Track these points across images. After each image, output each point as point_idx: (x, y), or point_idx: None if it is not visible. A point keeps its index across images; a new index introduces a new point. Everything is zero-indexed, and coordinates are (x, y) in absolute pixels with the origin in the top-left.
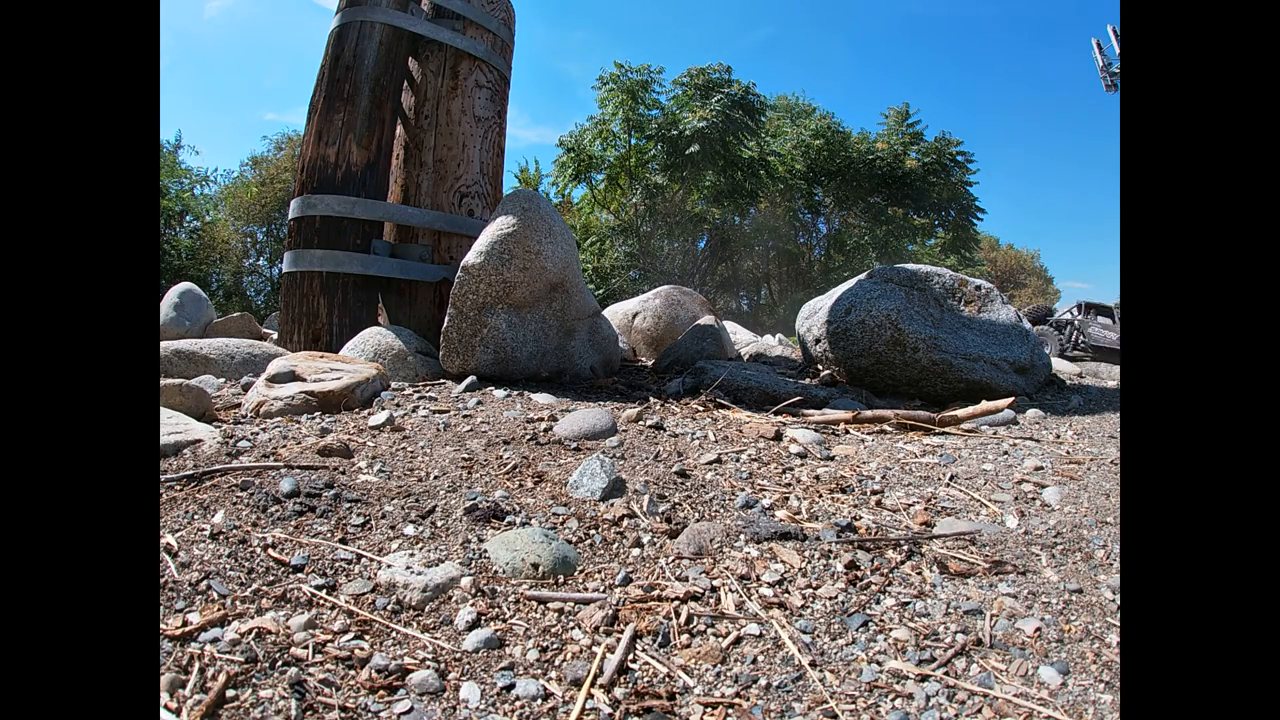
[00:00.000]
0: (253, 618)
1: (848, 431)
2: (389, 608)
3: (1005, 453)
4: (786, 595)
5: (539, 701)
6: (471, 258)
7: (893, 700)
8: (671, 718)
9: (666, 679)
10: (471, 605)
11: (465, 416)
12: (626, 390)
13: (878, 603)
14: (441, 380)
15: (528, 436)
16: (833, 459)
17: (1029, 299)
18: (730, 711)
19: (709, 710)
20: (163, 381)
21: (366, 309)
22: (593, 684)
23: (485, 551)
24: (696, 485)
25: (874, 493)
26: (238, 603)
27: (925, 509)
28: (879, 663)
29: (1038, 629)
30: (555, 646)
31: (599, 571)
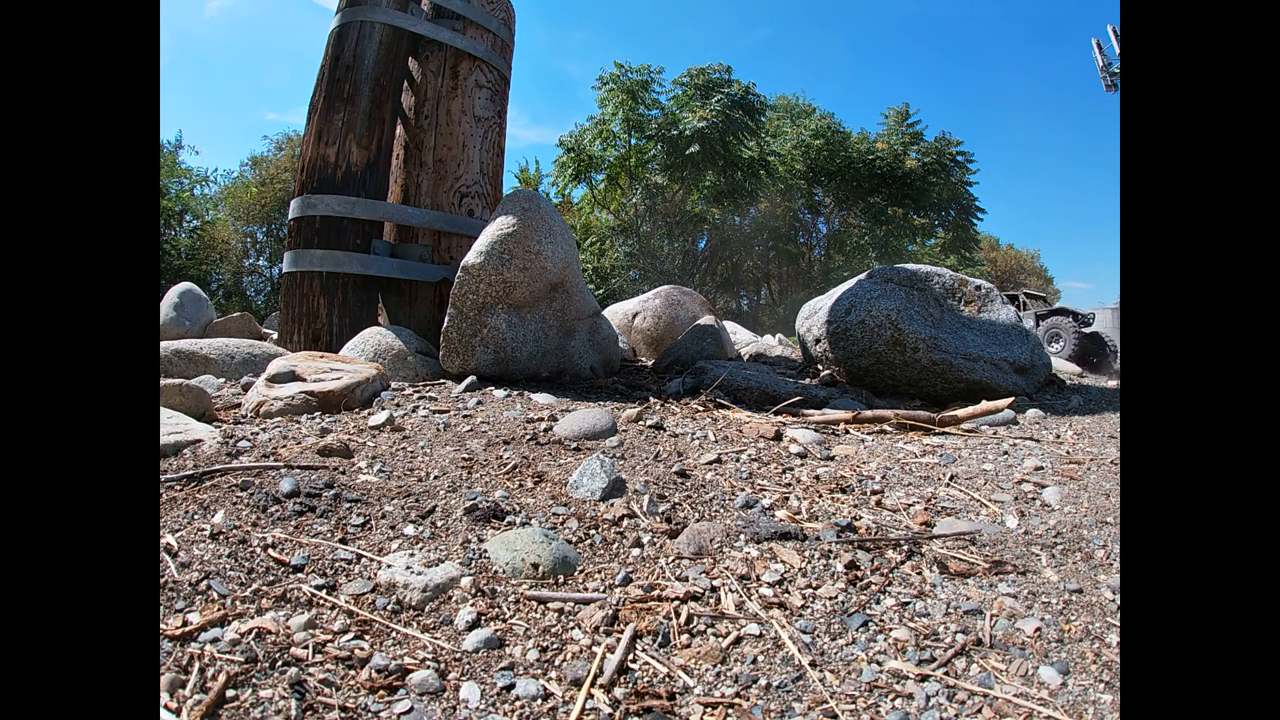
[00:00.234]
0: (253, 618)
1: (848, 431)
2: (389, 608)
3: (1005, 453)
4: (786, 595)
5: (539, 701)
6: (471, 258)
7: (893, 700)
8: (671, 718)
9: (666, 679)
10: (471, 605)
11: (465, 416)
12: (626, 390)
13: (878, 603)
14: (441, 380)
15: (528, 436)
16: (833, 459)
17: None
18: (730, 711)
19: (709, 710)
20: (163, 381)
21: (366, 309)
22: (593, 684)
23: (485, 551)
24: (696, 485)
25: (874, 493)
26: (238, 603)
27: (925, 509)
28: (879, 663)
29: (1038, 629)
30: (555, 646)
31: (599, 571)
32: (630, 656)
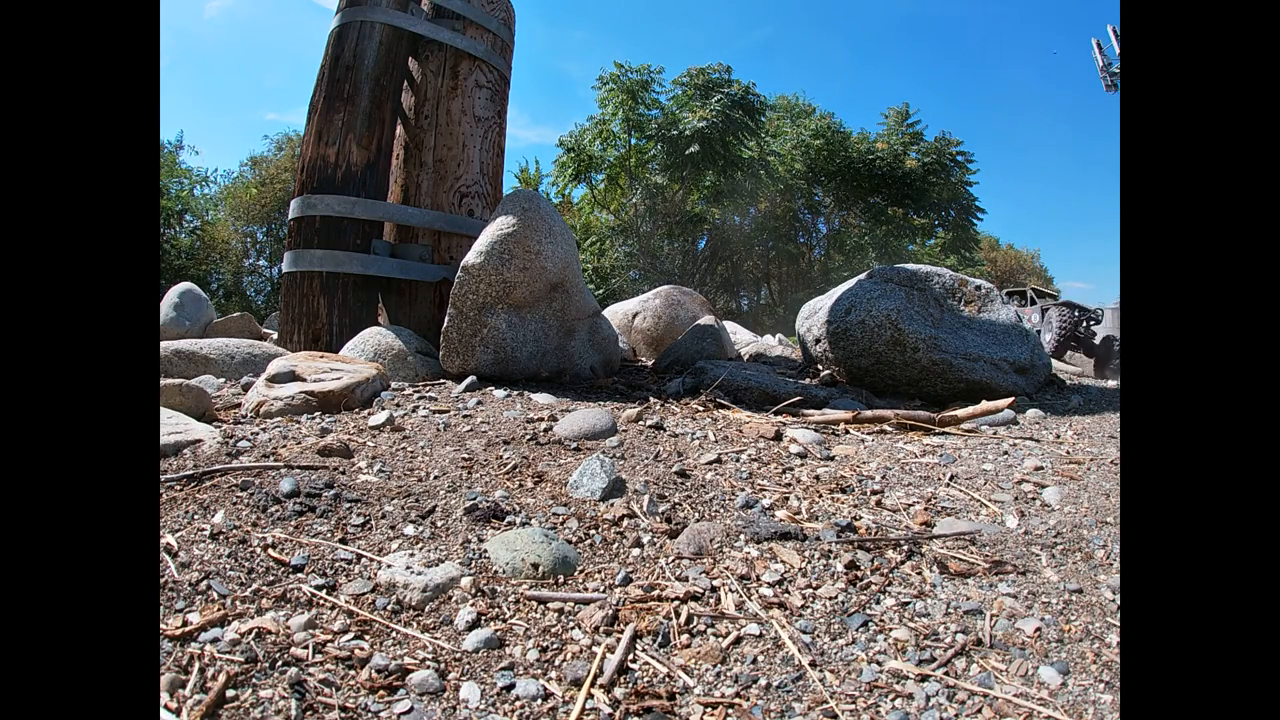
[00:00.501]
0: (253, 618)
1: (848, 431)
2: (389, 608)
3: (1005, 453)
4: (786, 595)
5: (539, 701)
6: (471, 258)
7: (893, 700)
8: (671, 718)
9: (666, 679)
10: (471, 605)
11: (465, 416)
12: (626, 390)
13: (878, 603)
14: (441, 380)
15: (528, 436)
16: (833, 459)
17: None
18: (730, 711)
19: (709, 710)
20: (163, 381)
21: (366, 309)
22: (593, 684)
23: (485, 551)
24: (696, 485)
25: (874, 493)
26: (238, 603)
27: (925, 509)
28: (879, 663)
29: (1038, 629)
30: (555, 646)
31: (599, 571)
32: (630, 656)
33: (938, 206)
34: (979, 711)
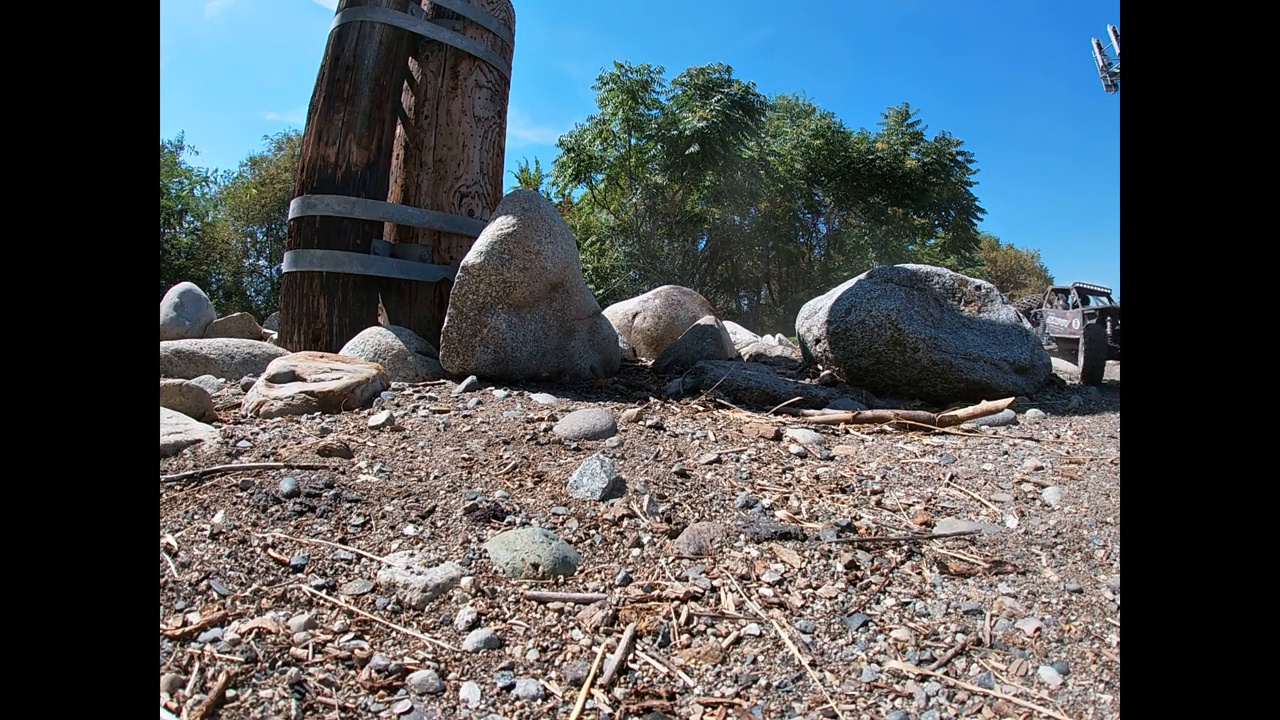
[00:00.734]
0: (253, 618)
1: (848, 431)
2: (389, 608)
3: (1005, 453)
4: (786, 595)
5: (539, 701)
6: (471, 258)
7: (893, 700)
8: (671, 718)
9: (666, 679)
10: (471, 605)
11: (465, 416)
12: (626, 390)
13: (878, 603)
14: (441, 380)
15: (528, 436)
16: (833, 459)
17: (1029, 299)
18: (730, 711)
19: (709, 710)
20: (163, 381)
21: (366, 309)
22: (593, 684)
23: (485, 551)
24: (696, 485)
25: (874, 493)
26: (238, 603)
27: (925, 509)
28: (879, 663)
29: (1038, 629)
30: (555, 646)
31: (599, 571)
32: (630, 656)
33: (938, 206)
34: (979, 711)
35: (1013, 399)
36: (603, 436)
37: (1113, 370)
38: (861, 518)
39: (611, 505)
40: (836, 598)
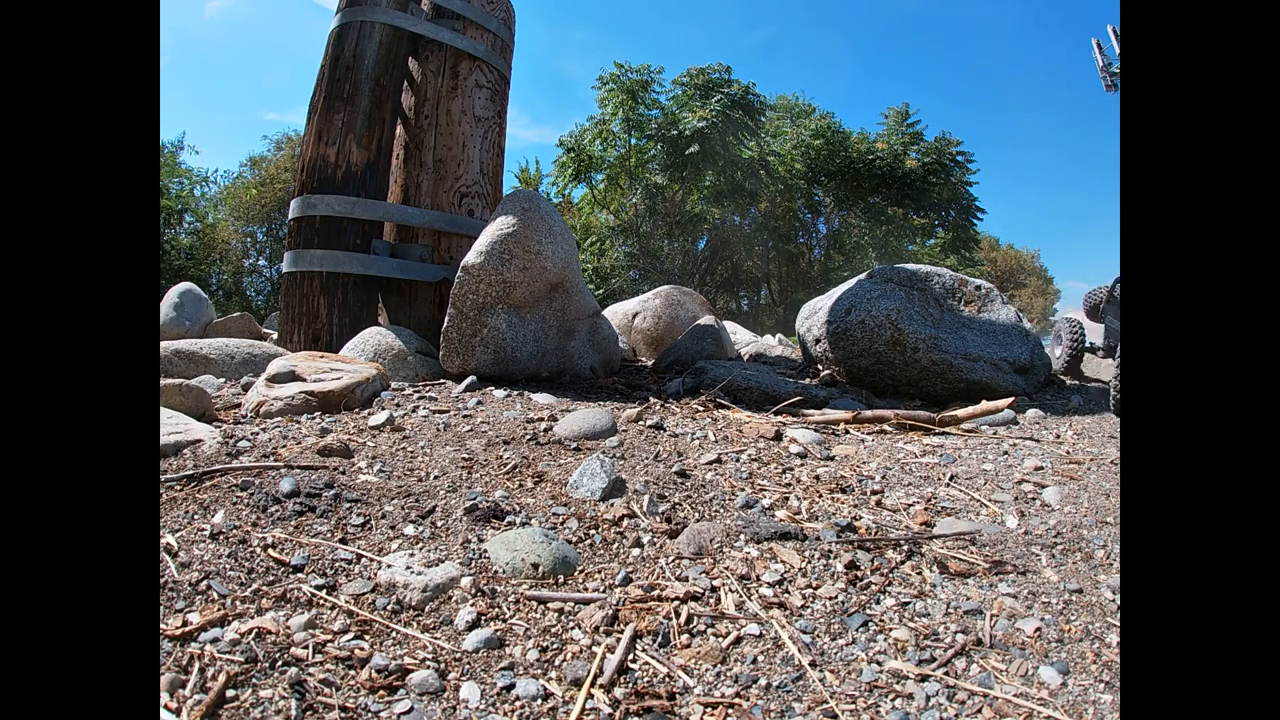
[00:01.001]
0: (253, 618)
1: (848, 431)
2: (389, 608)
3: (1005, 453)
4: (786, 595)
5: (539, 701)
6: (471, 258)
7: (893, 700)
8: (671, 718)
9: (666, 679)
10: (471, 605)
11: (465, 416)
12: (626, 390)
13: (878, 603)
14: (441, 380)
15: (528, 436)
16: (833, 459)
17: (1029, 299)
18: (730, 711)
19: (709, 710)
20: (163, 381)
21: (366, 309)
22: (593, 684)
23: (485, 551)
24: (696, 485)
25: (874, 493)
26: (238, 603)
27: (925, 509)
28: (879, 663)
29: (1038, 629)
30: (555, 646)
31: (599, 571)
32: (630, 656)
33: (938, 206)
34: (979, 711)
35: (1013, 399)
36: (603, 436)
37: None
38: (861, 518)
39: (611, 505)
40: (836, 598)
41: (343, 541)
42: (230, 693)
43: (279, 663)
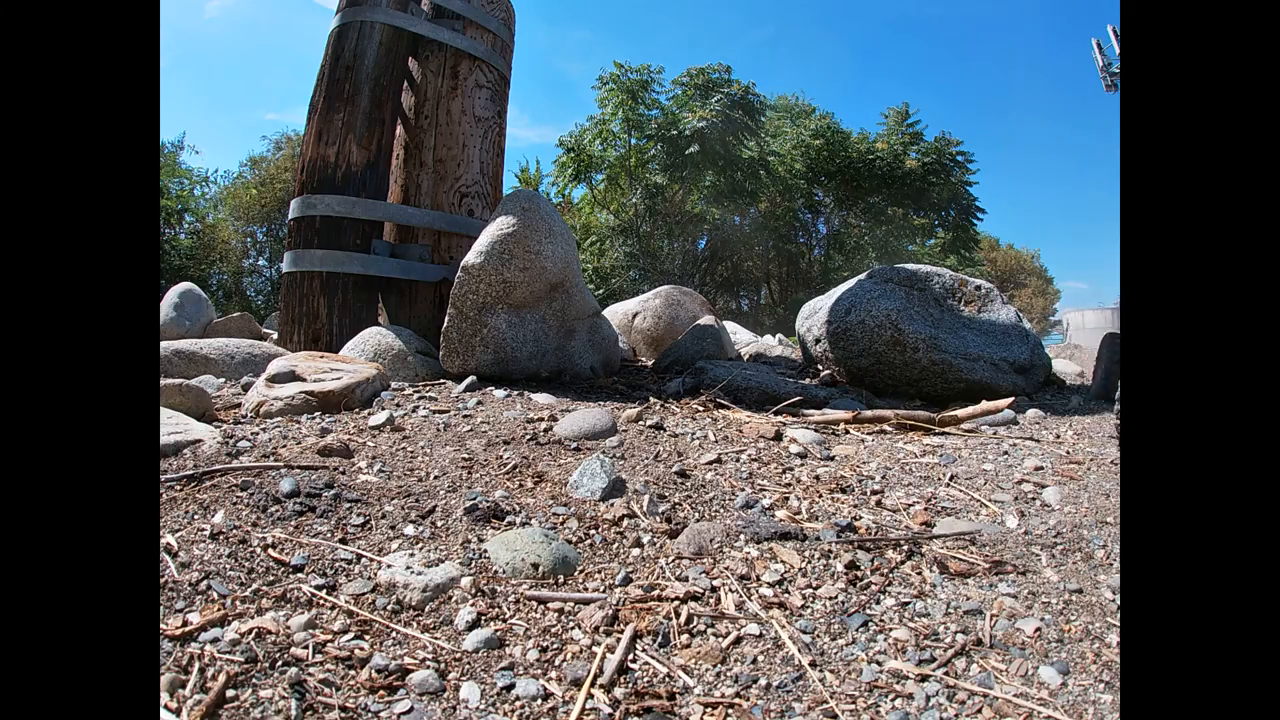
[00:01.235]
0: (253, 618)
1: (848, 431)
2: (389, 608)
3: (1005, 453)
4: (786, 595)
5: (539, 701)
6: (471, 258)
7: (893, 700)
8: (671, 718)
9: (666, 679)
10: (471, 605)
11: (465, 416)
12: (626, 390)
13: (878, 603)
14: (441, 380)
15: (528, 436)
16: (833, 459)
17: (1029, 299)
18: (730, 711)
19: (709, 710)
20: (163, 381)
21: (367, 309)
22: (593, 684)
23: (485, 551)
24: (696, 485)
25: (874, 493)
26: (238, 603)
27: (925, 509)
28: (879, 663)
29: (1038, 629)
30: (555, 646)
31: (599, 571)
32: (630, 656)
33: (938, 206)
34: (979, 711)
35: (1013, 399)
36: (603, 436)
37: None
38: (861, 518)
39: (611, 505)
40: (836, 598)
41: (343, 541)
42: (230, 693)
43: (279, 663)
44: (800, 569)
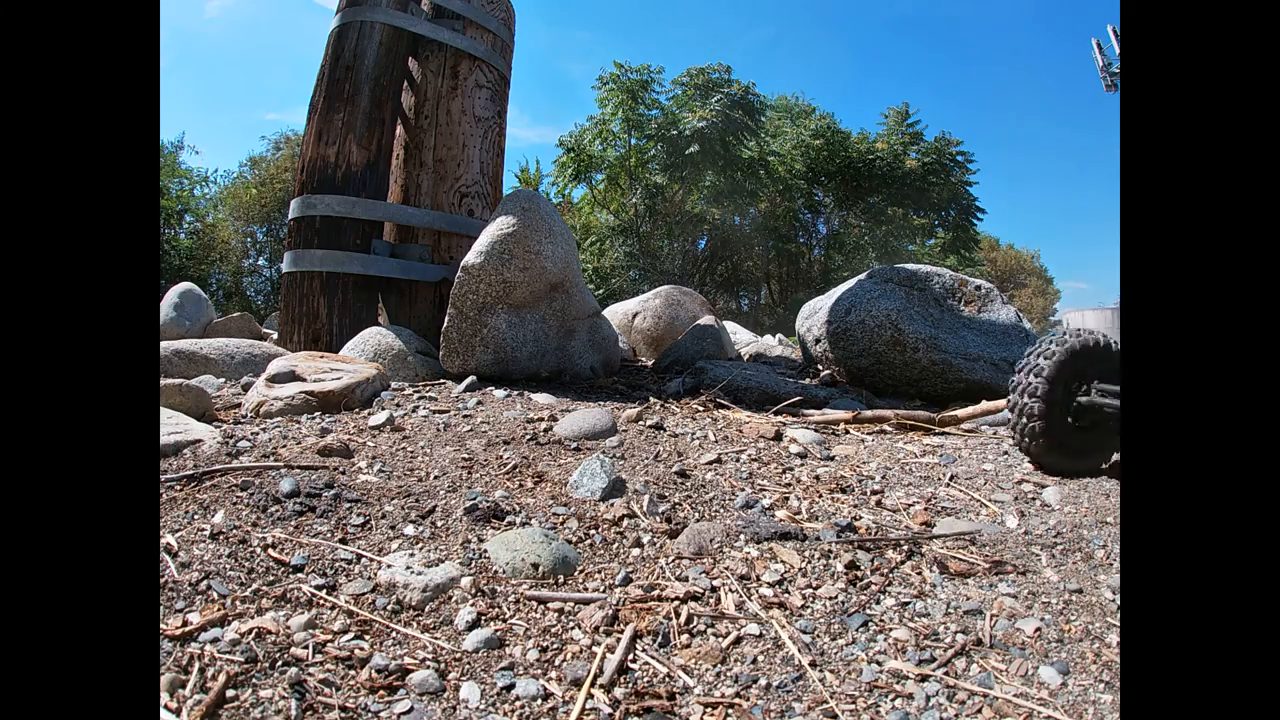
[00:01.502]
0: (253, 618)
1: (848, 431)
2: (389, 608)
3: (1005, 453)
4: (786, 595)
5: (539, 701)
6: (471, 258)
7: (893, 700)
8: (671, 718)
9: (666, 679)
10: (471, 605)
11: (465, 416)
12: (626, 390)
13: (878, 603)
14: (441, 380)
15: (528, 436)
16: (833, 459)
17: (1029, 299)
18: (730, 711)
19: (709, 710)
20: (163, 381)
21: (367, 309)
22: (593, 684)
23: (485, 551)
24: (696, 485)
25: (874, 493)
26: (238, 603)
27: (925, 509)
28: (879, 663)
29: (1038, 629)
30: (555, 646)
31: (599, 571)
32: (630, 656)
33: (938, 206)
34: (979, 711)
35: None
36: (603, 436)
37: None
38: (861, 518)
39: (611, 505)
40: (836, 598)
41: (343, 541)
42: (230, 693)
43: (279, 663)
44: (800, 569)
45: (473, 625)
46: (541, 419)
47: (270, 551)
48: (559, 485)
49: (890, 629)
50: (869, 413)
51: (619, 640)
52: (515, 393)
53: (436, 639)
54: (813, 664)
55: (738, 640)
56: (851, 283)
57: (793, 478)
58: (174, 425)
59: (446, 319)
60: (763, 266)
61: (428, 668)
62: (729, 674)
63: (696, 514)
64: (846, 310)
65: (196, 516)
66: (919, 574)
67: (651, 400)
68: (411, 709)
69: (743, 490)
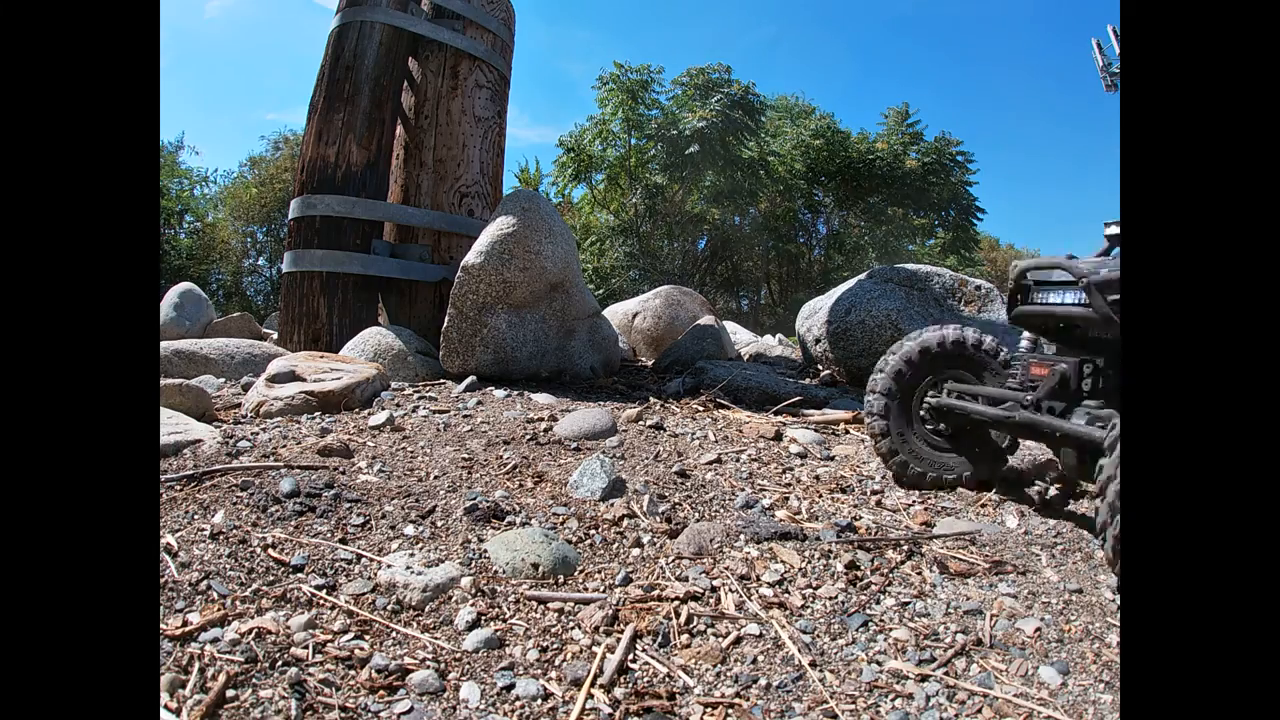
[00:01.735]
0: (253, 618)
1: (848, 431)
2: (389, 608)
3: None
4: (786, 595)
5: (539, 701)
6: (471, 258)
7: (893, 700)
8: (671, 718)
9: (666, 679)
10: (471, 605)
11: (465, 416)
12: (626, 390)
13: (878, 603)
14: (441, 380)
15: (528, 436)
16: (833, 459)
17: None
18: (730, 711)
19: (709, 710)
20: (163, 381)
21: (367, 309)
22: (593, 684)
23: (485, 551)
24: (696, 485)
25: (874, 493)
26: (238, 603)
27: (925, 509)
28: (879, 663)
29: (1038, 629)
30: (555, 646)
31: (599, 571)
32: (630, 656)
33: (937, 206)
34: (979, 711)
35: None
36: (603, 436)
37: None
38: (861, 518)
39: (611, 505)
40: (836, 598)
41: (343, 541)
42: (230, 693)
43: (279, 663)
44: (800, 569)
45: (473, 625)
46: (541, 419)
47: (270, 551)
48: (559, 485)
49: (890, 629)
50: None
51: (619, 640)
52: (515, 393)
53: (436, 639)
54: (813, 664)
55: (738, 640)
56: (851, 283)
57: (793, 478)
58: (174, 425)
59: (446, 319)
60: (763, 266)
61: (428, 668)
62: (729, 674)
63: (696, 514)
64: (846, 310)
65: (196, 516)
66: (919, 574)
67: (651, 400)
68: (411, 709)
69: (743, 490)
